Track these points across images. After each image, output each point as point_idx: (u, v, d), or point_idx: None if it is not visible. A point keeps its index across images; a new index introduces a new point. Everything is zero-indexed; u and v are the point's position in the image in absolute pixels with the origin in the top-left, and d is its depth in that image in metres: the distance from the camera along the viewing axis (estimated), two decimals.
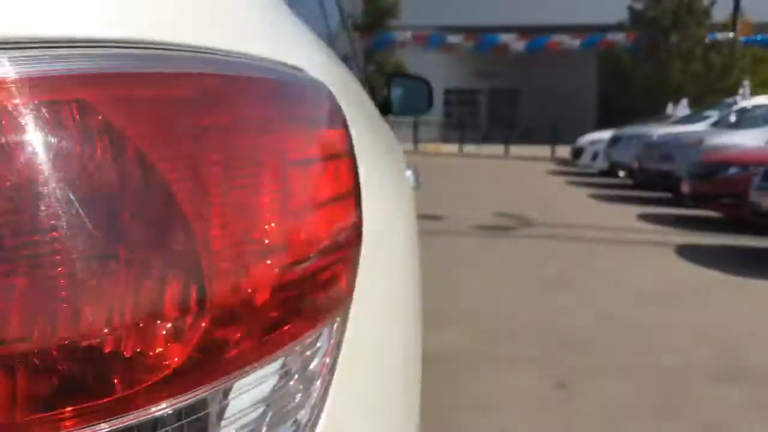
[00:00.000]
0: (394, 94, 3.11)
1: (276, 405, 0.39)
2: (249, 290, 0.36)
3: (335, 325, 0.45)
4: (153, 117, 0.33)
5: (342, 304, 0.46)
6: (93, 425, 0.30)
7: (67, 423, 0.30)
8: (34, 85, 0.30)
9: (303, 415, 0.41)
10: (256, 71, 0.41)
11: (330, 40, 1.25)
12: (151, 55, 0.34)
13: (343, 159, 0.51)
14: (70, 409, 0.30)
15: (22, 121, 0.29)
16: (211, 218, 0.34)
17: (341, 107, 0.55)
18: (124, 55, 0.33)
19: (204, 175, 0.34)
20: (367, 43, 26.18)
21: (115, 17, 0.34)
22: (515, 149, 24.30)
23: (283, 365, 0.40)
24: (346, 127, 0.54)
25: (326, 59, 0.72)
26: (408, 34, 27.18)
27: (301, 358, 0.42)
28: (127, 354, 0.31)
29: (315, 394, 0.42)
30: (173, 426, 0.33)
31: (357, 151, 0.64)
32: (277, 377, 0.39)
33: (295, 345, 0.40)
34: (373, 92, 3.02)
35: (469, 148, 25.35)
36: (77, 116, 0.31)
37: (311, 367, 0.43)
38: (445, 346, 3.96)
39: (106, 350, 0.30)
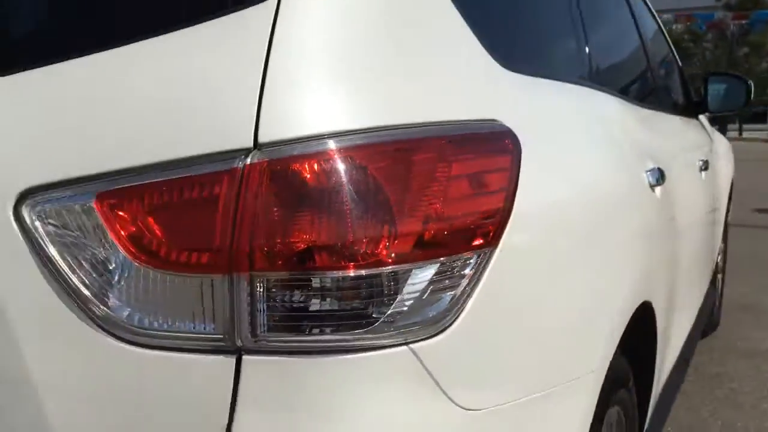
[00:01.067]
0: (711, 92, 3.23)
1: (439, 284, 0.86)
2: (420, 232, 0.84)
3: (480, 256, 0.90)
4: (385, 164, 0.82)
5: (486, 246, 0.90)
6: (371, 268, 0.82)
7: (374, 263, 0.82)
8: (341, 155, 0.81)
9: (457, 292, 0.87)
10: (447, 131, 0.89)
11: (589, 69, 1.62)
12: (387, 132, 0.84)
13: (501, 172, 0.95)
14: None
15: (337, 169, 0.80)
16: (406, 203, 0.83)
17: (515, 141, 0.98)
18: (376, 135, 0.83)
19: (407, 187, 0.83)
20: (742, 24, 24.05)
21: (378, 116, 0.84)
22: None
23: (442, 265, 0.86)
24: (511, 153, 0.97)
25: (522, 107, 1.14)
26: None
27: (458, 264, 0.87)
28: (371, 251, 0.81)
29: (465, 283, 0.87)
30: (388, 279, 0.83)
31: (540, 164, 1.06)
32: (435, 269, 0.86)
33: (452, 257, 0.87)
34: (687, 89, 3.20)
35: None
36: (356, 166, 0.81)
37: (464, 271, 0.88)
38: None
39: (369, 251, 0.82)
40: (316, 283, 0.81)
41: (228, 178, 0.79)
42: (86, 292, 0.82)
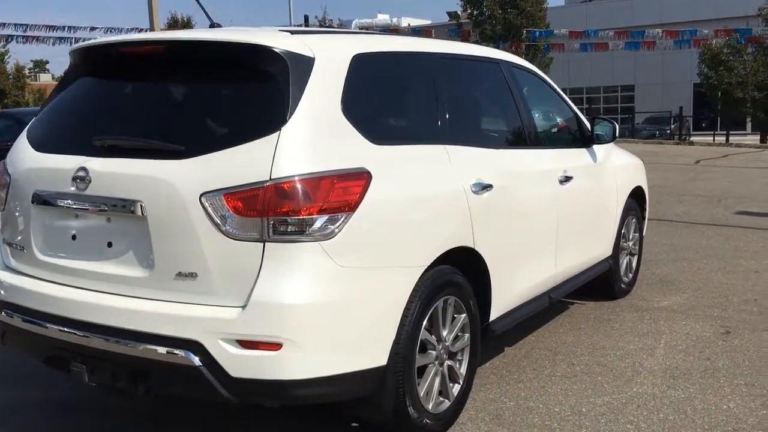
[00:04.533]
0: (597, 129, 4.92)
1: (329, 222, 2.60)
2: (323, 205, 2.59)
3: (347, 214, 2.64)
4: (313, 184, 2.65)
5: (350, 210, 2.64)
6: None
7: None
8: (298, 182, 2.61)
9: (337, 225, 2.62)
10: (340, 172, 2.69)
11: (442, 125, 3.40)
12: (314, 173, 2.65)
13: (359, 186, 2.69)
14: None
15: (296, 187, 2.60)
16: (319, 195, 2.62)
17: (369, 174, 2.77)
18: (308, 175, 2.65)
19: (320, 190, 2.64)
20: None
21: (309, 168, 2.67)
22: None
23: (328, 218, 2.61)
24: (365, 179, 2.73)
25: (380, 159, 2.90)
26: None
27: (337, 216, 2.61)
28: (304, 213, 2.61)
29: (340, 222, 2.61)
30: (309, 220, 2.58)
31: (384, 181, 2.85)
32: (327, 217, 2.60)
33: (334, 214, 2.60)
34: (582, 128, 4.90)
35: None
36: (304, 186, 2.65)
37: (339, 218, 2.61)
38: (667, 304, 5.49)
39: (303, 213, 2.61)
40: (287, 220, 2.61)
41: (263, 189, 2.60)
42: (219, 222, 2.62)
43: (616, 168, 5.28)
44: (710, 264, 6.78)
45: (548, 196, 4.20)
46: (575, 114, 4.97)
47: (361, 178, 2.78)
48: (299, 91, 2.76)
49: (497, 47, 28.48)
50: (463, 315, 3.41)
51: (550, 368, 4.16)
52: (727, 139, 24.58)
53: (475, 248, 3.42)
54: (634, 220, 5.75)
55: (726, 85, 28.04)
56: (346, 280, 2.72)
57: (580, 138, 4.94)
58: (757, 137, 28.47)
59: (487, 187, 3.51)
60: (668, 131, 31.52)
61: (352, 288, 2.74)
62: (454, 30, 30.90)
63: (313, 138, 2.74)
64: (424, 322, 3.10)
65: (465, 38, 28.70)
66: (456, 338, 3.40)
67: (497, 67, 4.19)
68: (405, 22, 52.04)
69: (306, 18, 30.36)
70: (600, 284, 5.46)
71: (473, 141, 3.69)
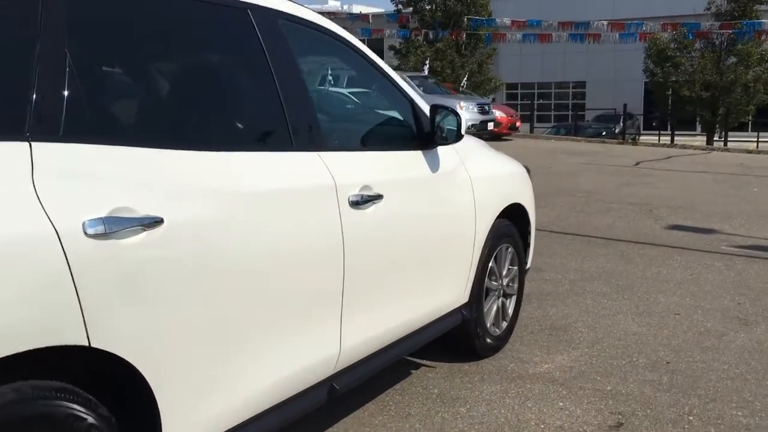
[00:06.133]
0: (442, 123, 3.30)
1: None
2: None
3: None
4: None
5: None
6: None
7: None
8: None
9: None
10: None
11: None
12: None
13: None
14: None
15: None
16: None
17: None
18: None
19: None
20: (730, 33, 23.78)
21: None
22: None
23: None
24: None
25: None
26: None
27: None
28: None
29: None
30: None
31: None
32: None
33: None
34: (419, 123, 3.28)
35: None
36: None
37: None
38: (547, 369, 3.94)
39: None
40: None
41: None
42: None
43: (474, 179, 3.63)
44: (621, 301, 5.28)
45: (319, 230, 2.56)
46: (408, 100, 3.32)
47: None
48: None
49: (436, 36, 27.12)
50: None
51: None
52: (672, 140, 23.33)
53: (94, 345, 1.76)
54: (510, 250, 4.17)
55: (672, 83, 26.72)
56: None
57: (415, 135, 3.31)
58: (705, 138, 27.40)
59: (152, 223, 1.87)
60: (615, 130, 30.28)
61: None
62: (392, 16, 29.10)
63: None
64: None
65: (403, 25, 27.07)
66: None
67: (243, 14, 2.53)
68: (357, 9, 50.30)
69: None
70: (460, 337, 3.90)
71: (134, 137, 2.04)
